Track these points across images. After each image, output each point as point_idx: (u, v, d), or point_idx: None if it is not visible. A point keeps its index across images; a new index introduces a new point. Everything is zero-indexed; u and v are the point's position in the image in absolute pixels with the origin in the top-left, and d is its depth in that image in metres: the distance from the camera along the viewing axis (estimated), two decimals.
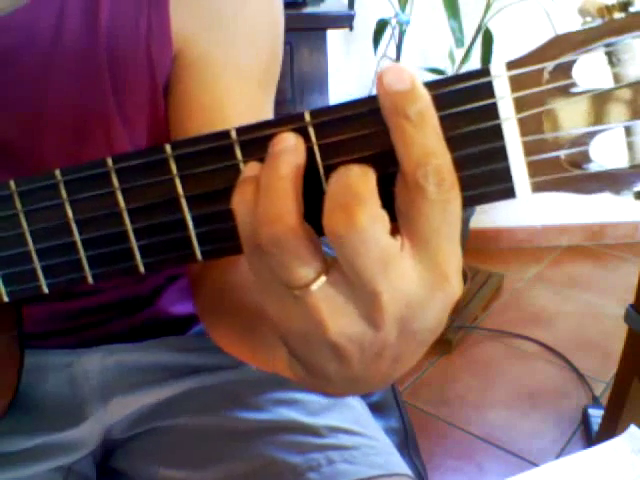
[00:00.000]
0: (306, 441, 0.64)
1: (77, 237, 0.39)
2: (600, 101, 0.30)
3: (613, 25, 0.30)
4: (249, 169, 0.33)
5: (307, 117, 0.33)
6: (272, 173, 0.32)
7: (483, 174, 0.32)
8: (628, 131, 0.30)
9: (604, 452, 0.75)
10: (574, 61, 0.30)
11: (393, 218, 0.31)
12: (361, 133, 0.33)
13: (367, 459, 0.63)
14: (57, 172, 0.38)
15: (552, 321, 2.12)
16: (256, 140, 0.34)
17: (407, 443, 0.81)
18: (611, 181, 0.31)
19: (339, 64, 2.12)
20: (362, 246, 0.30)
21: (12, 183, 0.40)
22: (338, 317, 0.33)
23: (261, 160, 0.33)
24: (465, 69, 1.88)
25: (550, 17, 1.77)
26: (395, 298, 0.32)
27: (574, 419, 1.73)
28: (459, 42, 1.89)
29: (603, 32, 0.30)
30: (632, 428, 0.77)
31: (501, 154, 0.32)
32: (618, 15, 0.29)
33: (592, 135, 0.31)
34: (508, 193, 0.32)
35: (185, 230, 0.37)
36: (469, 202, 0.32)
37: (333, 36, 1.91)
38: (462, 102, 0.32)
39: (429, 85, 0.31)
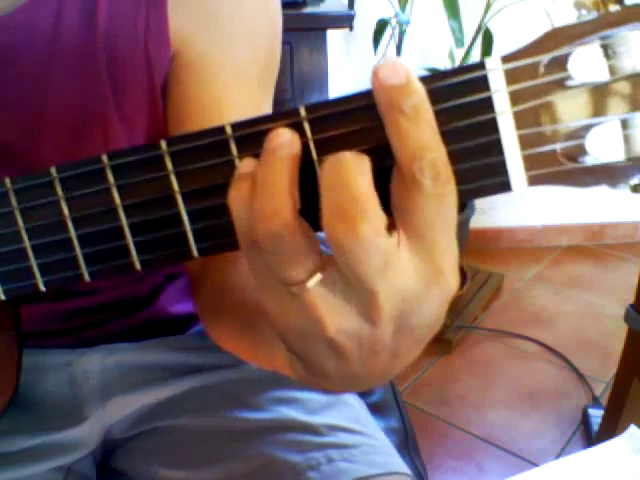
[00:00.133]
0: (306, 440, 0.64)
1: (73, 234, 0.39)
2: (596, 94, 0.30)
3: (608, 18, 0.29)
4: (244, 165, 0.33)
5: (302, 112, 0.33)
6: (267, 169, 0.32)
7: (479, 168, 0.32)
8: (624, 124, 0.30)
9: (604, 452, 0.75)
10: (570, 54, 0.30)
11: (389, 212, 0.31)
12: (356, 128, 0.33)
13: (366, 458, 0.63)
14: (52, 169, 0.38)
15: (552, 321, 2.12)
16: (251, 136, 0.34)
17: (407, 443, 0.81)
18: (607, 174, 0.31)
19: (339, 64, 2.12)
20: (363, 253, 0.30)
21: (7, 180, 0.40)
22: (335, 313, 0.33)
23: (257, 156, 0.33)
24: None
25: (550, 17, 1.77)
26: (392, 294, 0.32)
27: (574, 419, 1.73)
28: (459, 42, 1.89)
29: (598, 25, 0.30)
30: (632, 428, 0.77)
31: (497, 148, 0.32)
32: (613, 8, 0.29)
33: (588, 128, 0.31)
34: (504, 187, 0.32)
35: (181, 226, 0.37)
36: (465, 196, 0.32)
37: (333, 36, 1.91)
38: (457, 96, 0.32)
39: (424, 79, 0.31)
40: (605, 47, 0.30)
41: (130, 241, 0.38)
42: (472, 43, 1.93)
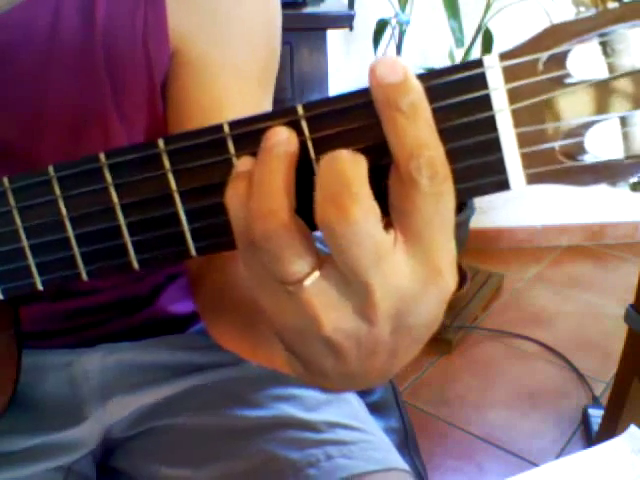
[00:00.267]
0: (305, 437, 0.64)
1: (71, 233, 0.39)
2: (595, 92, 0.30)
3: (607, 15, 0.29)
4: (242, 164, 0.33)
5: (300, 110, 0.33)
6: (265, 168, 0.32)
7: (477, 166, 0.32)
8: (623, 121, 0.30)
9: (604, 452, 0.75)
10: (568, 51, 0.30)
11: (386, 212, 0.31)
12: (354, 126, 0.33)
13: (365, 454, 0.63)
14: (50, 168, 0.38)
15: (552, 321, 2.12)
16: (249, 134, 0.34)
17: (407, 443, 0.81)
18: (607, 172, 0.31)
19: (339, 64, 2.12)
20: (354, 238, 0.30)
21: (5, 180, 0.40)
22: (332, 312, 0.33)
23: (254, 154, 0.33)
24: None
25: (550, 17, 1.77)
26: (388, 293, 0.31)
27: (574, 419, 1.73)
28: (459, 42, 1.89)
29: (597, 22, 0.29)
30: (632, 428, 0.77)
31: (495, 146, 0.32)
32: (612, 5, 0.29)
33: (587, 126, 0.30)
34: (502, 185, 0.32)
35: (179, 225, 0.37)
36: (463, 195, 0.32)
37: (333, 36, 1.91)
38: (455, 94, 0.31)
39: (422, 77, 0.31)
40: (604, 44, 0.29)
41: (128, 240, 0.38)
42: (472, 43, 1.93)
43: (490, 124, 0.31)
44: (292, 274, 0.32)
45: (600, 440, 0.80)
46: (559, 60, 0.30)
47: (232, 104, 0.60)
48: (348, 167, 0.30)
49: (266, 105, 0.65)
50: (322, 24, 1.62)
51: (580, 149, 0.31)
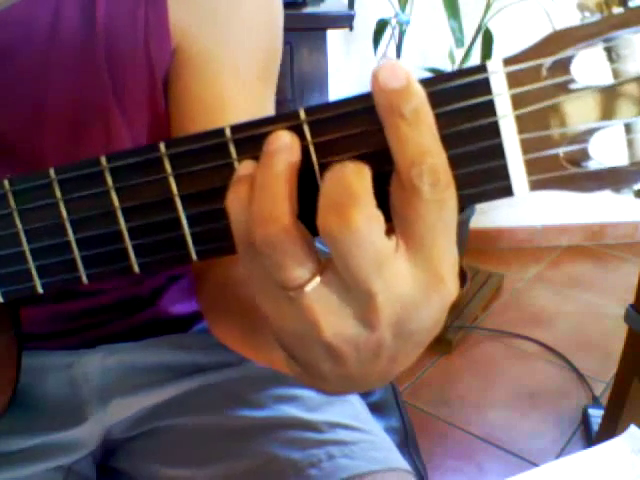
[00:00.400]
0: (306, 437, 0.64)
1: (71, 236, 0.39)
2: (599, 97, 0.30)
3: (612, 20, 0.29)
4: (243, 168, 0.33)
5: (302, 115, 0.33)
6: (267, 172, 0.32)
7: (480, 172, 0.32)
8: (628, 128, 0.30)
9: (604, 452, 0.75)
10: (573, 57, 0.30)
11: (388, 218, 0.31)
12: (357, 131, 0.33)
13: (367, 454, 0.63)
14: (51, 171, 0.38)
15: (552, 321, 2.12)
16: (251, 138, 0.34)
17: (407, 443, 0.81)
18: (611, 179, 0.31)
19: (339, 64, 2.12)
20: (356, 247, 0.30)
21: (6, 182, 0.39)
22: (332, 318, 0.32)
23: (256, 158, 0.33)
24: None
25: (550, 17, 1.77)
26: (390, 300, 0.31)
27: (574, 419, 1.73)
28: (459, 42, 1.89)
29: (602, 27, 0.29)
30: (632, 428, 0.77)
31: (498, 152, 0.31)
32: (617, 10, 0.29)
33: (591, 132, 0.30)
34: (506, 191, 0.32)
35: (179, 229, 0.37)
36: (466, 201, 0.32)
37: (333, 36, 1.90)
38: (458, 99, 0.31)
39: (425, 82, 0.31)
40: (609, 50, 0.29)
41: (129, 244, 0.38)
42: (472, 43, 1.93)
43: (494, 130, 0.31)
44: (293, 279, 0.32)
45: (600, 440, 0.80)
46: (563, 65, 0.30)
47: (234, 101, 0.60)
48: (352, 176, 0.30)
49: (268, 102, 0.65)
50: (322, 24, 1.61)
51: (584, 155, 0.31)
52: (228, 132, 0.34)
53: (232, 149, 0.34)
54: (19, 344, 0.55)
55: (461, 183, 0.31)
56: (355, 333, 0.33)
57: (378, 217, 0.30)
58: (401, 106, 0.30)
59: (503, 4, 1.88)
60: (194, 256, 0.37)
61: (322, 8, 1.62)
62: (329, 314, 0.32)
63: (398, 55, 1.98)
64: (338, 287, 0.32)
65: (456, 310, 2.08)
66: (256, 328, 0.47)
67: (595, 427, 1.61)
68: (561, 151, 0.31)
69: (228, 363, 0.71)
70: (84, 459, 0.68)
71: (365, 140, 0.32)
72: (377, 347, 0.33)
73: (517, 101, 0.31)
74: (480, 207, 2.25)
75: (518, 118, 0.31)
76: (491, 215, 2.45)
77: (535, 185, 0.31)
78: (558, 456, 1.63)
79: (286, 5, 0.65)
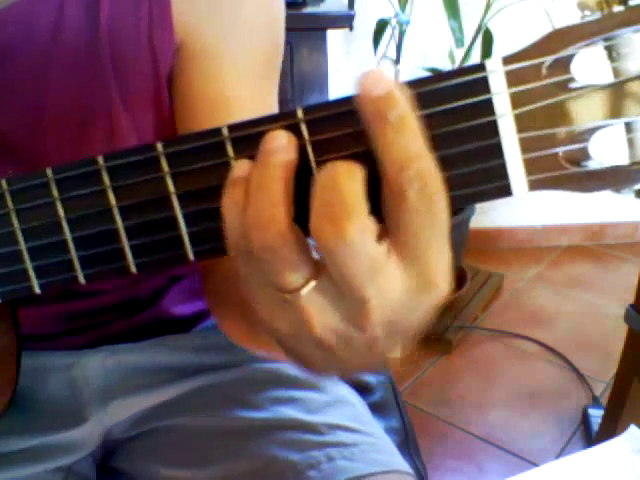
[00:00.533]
0: (306, 439, 0.64)
1: (68, 236, 0.39)
2: (600, 97, 0.30)
3: (612, 19, 0.29)
4: (238, 169, 0.33)
5: (300, 114, 0.33)
6: (263, 174, 0.32)
7: (478, 172, 0.32)
8: (629, 127, 0.30)
9: (604, 452, 0.75)
10: (573, 55, 0.30)
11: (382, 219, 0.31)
12: (354, 129, 0.32)
13: (366, 456, 0.63)
14: (48, 170, 0.38)
15: (552, 321, 2.12)
16: (248, 137, 0.34)
17: (407, 443, 0.81)
18: (611, 179, 0.30)
19: (339, 64, 2.11)
20: (351, 258, 0.30)
21: (3, 182, 0.39)
22: (325, 319, 0.33)
23: (253, 157, 0.33)
24: None
25: (550, 17, 1.77)
26: (382, 304, 0.32)
27: (574, 419, 1.73)
28: (459, 42, 1.89)
29: (602, 26, 0.29)
30: (632, 428, 0.77)
31: (497, 151, 0.31)
32: (617, 8, 0.29)
33: (592, 132, 0.30)
34: (504, 191, 0.32)
35: (177, 229, 0.36)
36: (464, 200, 0.32)
37: (333, 36, 1.90)
38: (457, 98, 0.31)
39: (423, 81, 0.31)
40: (609, 49, 0.29)
41: (125, 243, 0.38)
42: (472, 43, 1.93)
43: (492, 129, 0.31)
44: (289, 283, 0.32)
45: (600, 440, 0.80)
46: (563, 64, 0.30)
47: (238, 97, 0.60)
48: (344, 183, 0.30)
49: (271, 98, 0.65)
50: (322, 24, 1.61)
51: (584, 155, 0.30)
52: (225, 131, 0.34)
53: (229, 148, 0.34)
54: (19, 344, 0.55)
55: (459, 182, 0.31)
56: (346, 331, 0.33)
57: (370, 226, 0.30)
58: (386, 113, 0.30)
59: (503, 4, 1.88)
60: (191, 256, 0.37)
61: (322, 8, 1.62)
62: (323, 316, 0.33)
63: (398, 55, 1.98)
64: (332, 292, 0.32)
65: (456, 310, 2.08)
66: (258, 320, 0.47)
67: (595, 427, 1.61)
68: (561, 150, 0.31)
69: (228, 364, 0.71)
70: (84, 459, 0.68)
71: (362, 138, 0.32)
72: (367, 344, 0.34)
73: (516, 100, 0.31)
74: (480, 207, 2.25)
75: (517, 117, 0.31)
76: (491, 215, 2.45)
77: (534, 185, 0.31)
78: (558, 456, 1.63)
79: (286, 5, 0.65)
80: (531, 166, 0.31)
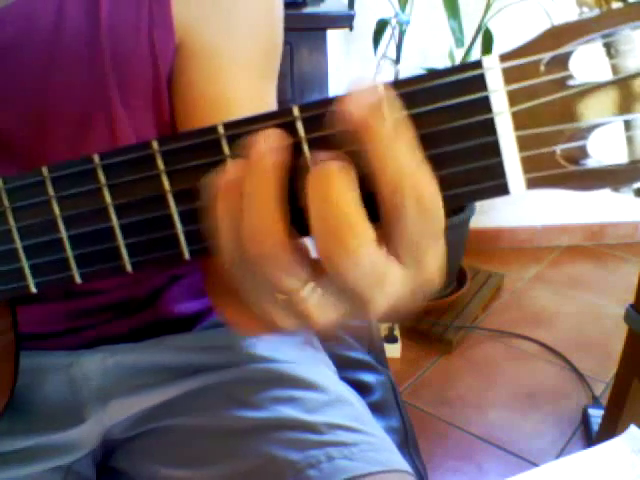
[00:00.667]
0: (305, 438, 0.63)
1: (64, 234, 0.38)
2: (598, 94, 0.30)
3: (611, 15, 0.29)
4: (229, 171, 0.33)
5: (296, 111, 0.33)
6: (254, 180, 0.31)
7: (475, 170, 0.32)
8: (628, 125, 0.29)
9: (604, 452, 0.75)
10: (571, 53, 0.29)
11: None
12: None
13: (366, 455, 0.62)
14: (44, 169, 0.38)
15: (552, 321, 2.12)
16: (244, 135, 0.34)
17: (407, 443, 0.81)
18: (610, 177, 0.30)
19: (339, 64, 2.12)
20: (354, 267, 0.31)
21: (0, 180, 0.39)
22: (327, 314, 0.34)
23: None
24: None
25: (550, 17, 1.77)
26: (382, 301, 0.33)
27: (574, 419, 1.73)
28: (459, 42, 1.89)
29: (601, 23, 0.29)
30: (632, 428, 0.77)
31: (494, 149, 0.31)
32: (616, 5, 0.29)
33: (590, 129, 0.30)
34: (501, 189, 0.32)
35: (172, 227, 0.36)
36: (461, 199, 0.32)
37: (333, 36, 1.90)
38: (454, 95, 0.31)
39: (420, 78, 0.31)
40: (608, 45, 0.29)
41: (121, 242, 0.38)
42: (472, 43, 1.93)
43: (489, 127, 0.31)
44: (287, 286, 0.32)
45: (600, 440, 0.80)
46: (561, 61, 0.30)
47: (237, 95, 0.60)
48: (341, 193, 0.30)
49: (270, 96, 0.65)
50: (322, 24, 1.61)
51: (583, 153, 0.30)
52: (221, 129, 0.34)
53: (225, 146, 0.34)
54: (17, 344, 0.55)
55: (456, 181, 0.31)
56: (347, 320, 0.34)
57: (370, 234, 0.31)
58: (376, 128, 0.30)
59: (503, 4, 1.88)
60: (187, 255, 0.37)
61: (322, 8, 1.62)
62: (323, 312, 0.33)
63: (398, 55, 1.98)
64: (333, 292, 0.33)
65: (456, 310, 2.08)
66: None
67: (595, 427, 1.61)
68: (559, 149, 0.30)
69: (228, 364, 0.71)
70: (83, 459, 0.68)
71: None
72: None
73: (514, 97, 0.30)
74: (480, 207, 2.25)
75: (515, 115, 0.31)
76: (491, 215, 2.45)
77: (532, 183, 0.31)
78: (558, 456, 1.63)
79: (286, 5, 0.65)
80: (528, 164, 0.31)
